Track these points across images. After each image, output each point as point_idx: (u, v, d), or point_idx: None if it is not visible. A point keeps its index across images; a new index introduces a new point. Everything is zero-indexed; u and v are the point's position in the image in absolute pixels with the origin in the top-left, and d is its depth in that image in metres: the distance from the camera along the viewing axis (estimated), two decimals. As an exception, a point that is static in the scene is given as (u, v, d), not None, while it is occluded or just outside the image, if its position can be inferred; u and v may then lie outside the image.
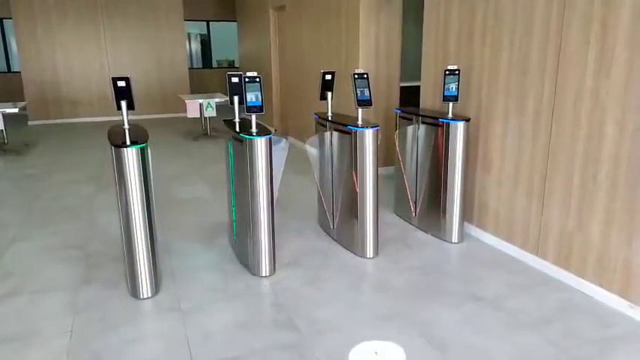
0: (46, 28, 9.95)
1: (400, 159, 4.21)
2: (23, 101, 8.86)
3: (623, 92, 2.63)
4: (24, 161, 6.82)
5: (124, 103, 2.89)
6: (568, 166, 3.01)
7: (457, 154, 3.60)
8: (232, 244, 3.66)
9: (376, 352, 0.42)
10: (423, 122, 3.87)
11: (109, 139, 2.84)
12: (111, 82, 2.88)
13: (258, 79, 3.08)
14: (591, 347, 2.45)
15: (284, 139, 3.43)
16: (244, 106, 3.10)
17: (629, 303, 2.72)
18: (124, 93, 2.88)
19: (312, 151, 4.01)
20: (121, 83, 2.88)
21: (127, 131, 2.91)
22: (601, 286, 2.87)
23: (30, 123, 10.06)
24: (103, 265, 3.41)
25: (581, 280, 2.99)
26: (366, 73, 3.54)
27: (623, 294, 2.75)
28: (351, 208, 3.52)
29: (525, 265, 3.36)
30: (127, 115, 2.94)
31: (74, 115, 10.46)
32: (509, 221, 3.54)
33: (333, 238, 3.84)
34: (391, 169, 4.66)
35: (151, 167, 2.86)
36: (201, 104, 7.83)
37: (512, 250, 3.51)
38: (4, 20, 11.41)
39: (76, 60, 10.31)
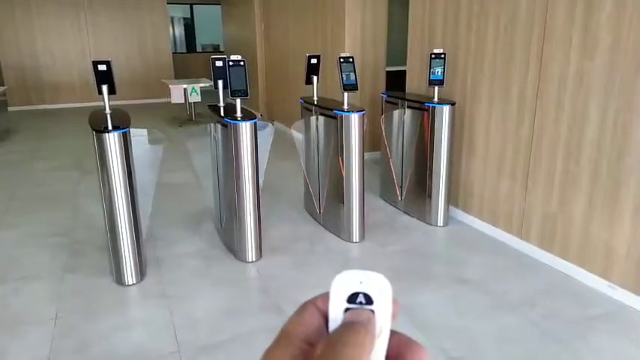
0: (25, 11, 9.67)
1: (386, 143, 4.21)
2: (3, 86, 8.65)
3: (606, 75, 2.64)
4: (5, 147, 6.68)
5: (105, 88, 2.83)
6: (551, 150, 3.04)
7: (443, 138, 3.61)
8: (218, 229, 3.65)
9: (361, 282, 0.41)
10: (408, 106, 3.87)
11: (90, 124, 2.79)
12: (92, 65, 2.82)
13: (242, 63, 3.05)
14: (572, 327, 2.50)
15: (269, 124, 3.41)
16: (229, 90, 3.06)
17: (608, 283, 2.78)
18: (105, 77, 2.83)
19: (298, 135, 3.99)
20: (102, 67, 2.82)
21: (108, 116, 2.86)
22: (583, 267, 2.93)
23: (10, 109, 9.83)
24: (87, 253, 3.38)
25: (563, 261, 3.04)
26: (352, 57, 3.52)
27: (604, 275, 2.81)
28: (338, 192, 3.52)
29: (509, 248, 3.40)
30: (109, 99, 2.88)
31: (55, 101, 10.23)
32: (493, 204, 3.57)
33: (319, 223, 3.84)
34: (377, 154, 4.66)
35: (133, 153, 2.82)
36: (185, 89, 7.72)
37: (496, 233, 3.55)
38: (-20, 3, 11.08)
39: (57, 44, 10.05)
